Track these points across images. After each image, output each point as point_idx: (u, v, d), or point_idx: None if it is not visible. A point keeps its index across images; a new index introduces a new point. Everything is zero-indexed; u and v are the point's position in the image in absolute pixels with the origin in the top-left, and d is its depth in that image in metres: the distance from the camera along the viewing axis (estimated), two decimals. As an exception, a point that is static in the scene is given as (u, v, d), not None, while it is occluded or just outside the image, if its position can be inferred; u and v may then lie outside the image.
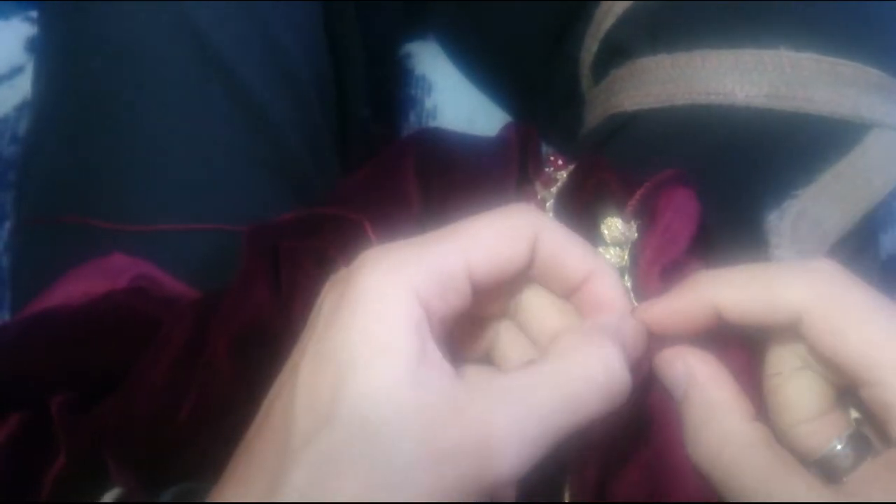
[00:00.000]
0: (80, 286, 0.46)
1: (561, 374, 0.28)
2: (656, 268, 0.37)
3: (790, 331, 0.31)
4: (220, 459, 0.33)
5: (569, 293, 0.32)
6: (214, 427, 0.39)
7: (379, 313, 0.27)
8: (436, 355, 0.28)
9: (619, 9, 0.50)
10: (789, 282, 0.30)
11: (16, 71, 0.75)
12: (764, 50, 0.44)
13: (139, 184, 0.49)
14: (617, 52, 0.50)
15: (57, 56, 0.52)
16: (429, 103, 0.76)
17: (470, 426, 0.26)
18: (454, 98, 0.76)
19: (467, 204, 0.45)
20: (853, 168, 0.43)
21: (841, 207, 0.43)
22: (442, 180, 0.47)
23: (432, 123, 0.75)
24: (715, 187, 0.44)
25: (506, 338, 0.34)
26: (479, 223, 0.30)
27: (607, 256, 0.41)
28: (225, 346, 0.40)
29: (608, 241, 0.41)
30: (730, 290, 0.31)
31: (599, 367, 0.28)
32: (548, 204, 0.49)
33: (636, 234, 0.41)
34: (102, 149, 0.49)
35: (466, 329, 0.33)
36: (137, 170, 0.49)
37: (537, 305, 0.33)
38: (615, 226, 0.41)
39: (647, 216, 0.40)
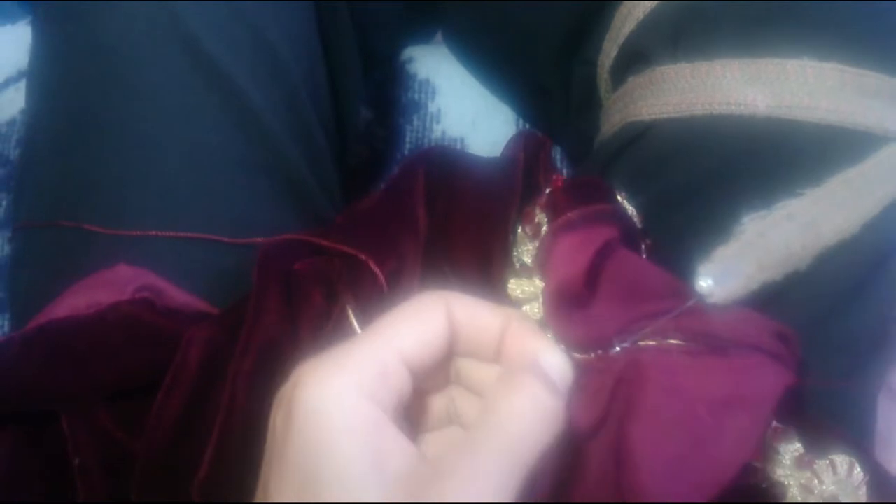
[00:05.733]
0: (85, 298, 0.46)
1: (499, 432, 0.29)
2: (548, 313, 0.39)
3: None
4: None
5: (494, 355, 0.34)
6: (235, 468, 0.40)
7: (329, 423, 0.28)
8: (395, 443, 0.29)
9: (639, 13, 0.49)
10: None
11: (22, 74, 0.74)
12: (787, 59, 0.43)
13: (134, 189, 0.48)
14: (636, 58, 0.49)
15: (50, 61, 0.52)
16: (432, 107, 0.76)
17: None
18: (457, 102, 0.76)
19: (468, 229, 0.46)
20: (863, 177, 0.43)
21: (842, 214, 0.42)
22: (446, 204, 0.47)
23: (436, 127, 0.75)
24: (727, 195, 0.44)
25: (459, 400, 0.36)
26: (398, 315, 0.32)
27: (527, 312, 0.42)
28: (245, 383, 0.41)
29: (516, 301, 0.43)
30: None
31: (528, 409, 0.30)
32: (543, 228, 0.49)
33: (541, 285, 0.42)
34: (96, 154, 0.49)
35: (422, 403, 0.36)
36: (131, 175, 0.48)
37: (471, 367, 0.35)
38: (518, 286, 0.43)
39: (544, 266, 0.41)
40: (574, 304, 0.39)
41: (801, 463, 0.40)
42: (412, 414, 0.34)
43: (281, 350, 0.42)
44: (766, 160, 0.43)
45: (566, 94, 0.59)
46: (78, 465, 0.41)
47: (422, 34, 0.80)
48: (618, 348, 0.38)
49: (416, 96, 0.76)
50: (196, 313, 0.47)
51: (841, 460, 0.40)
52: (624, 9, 0.50)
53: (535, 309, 0.42)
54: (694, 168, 0.45)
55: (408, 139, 0.76)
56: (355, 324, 0.41)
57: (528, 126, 0.74)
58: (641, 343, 0.38)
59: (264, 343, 0.42)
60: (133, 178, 0.48)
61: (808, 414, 0.41)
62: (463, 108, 0.76)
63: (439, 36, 0.83)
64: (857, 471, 0.40)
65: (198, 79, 0.49)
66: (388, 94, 0.76)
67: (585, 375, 0.37)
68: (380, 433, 0.29)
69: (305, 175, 0.54)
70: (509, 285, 0.43)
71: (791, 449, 0.40)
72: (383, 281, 0.43)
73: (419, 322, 0.32)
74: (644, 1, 0.49)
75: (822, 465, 0.40)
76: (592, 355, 0.39)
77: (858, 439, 0.42)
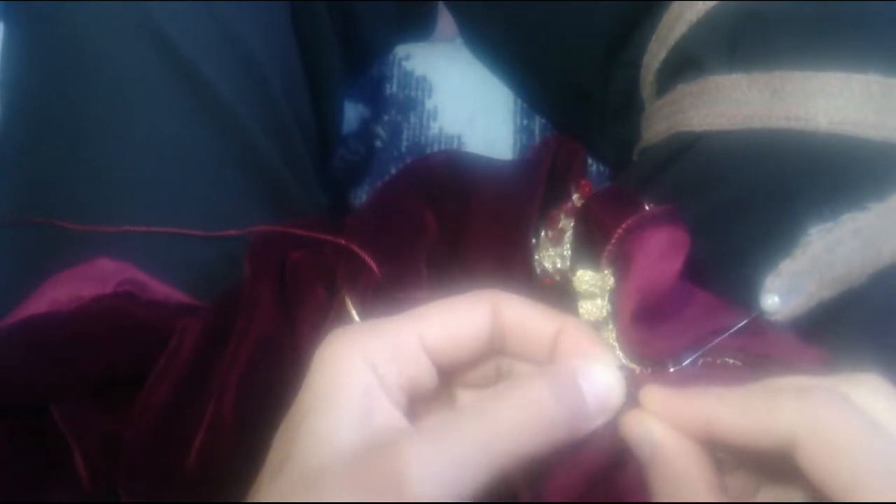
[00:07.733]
0: (66, 291, 0.46)
1: (482, 417, 0.29)
2: (627, 315, 0.38)
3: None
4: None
5: (548, 360, 0.33)
6: (217, 475, 0.40)
7: (331, 377, 0.30)
8: (386, 412, 0.29)
9: (691, 15, 0.47)
10: (785, 410, 0.29)
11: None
12: (853, 74, 0.41)
13: (106, 185, 0.48)
14: (687, 63, 0.47)
15: (20, 60, 0.52)
16: (429, 104, 0.76)
17: (383, 461, 0.27)
18: (454, 99, 0.76)
19: (485, 230, 0.45)
20: None
21: None
22: (457, 207, 0.47)
23: (433, 124, 0.75)
24: (785, 210, 0.43)
25: None
26: (436, 305, 0.32)
27: (582, 311, 0.41)
28: (233, 395, 0.41)
29: (582, 295, 0.41)
30: (726, 414, 0.30)
31: (516, 408, 0.29)
32: (566, 235, 0.48)
33: (611, 283, 0.40)
34: (68, 151, 0.49)
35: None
36: (103, 171, 0.48)
37: (523, 370, 0.34)
38: (584, 278, 0.41)
39: (621, 263, 0.40)
40: (660, 312, 0.37)
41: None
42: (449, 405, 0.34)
43: (277, 345, 0.42)
44: (828, 177, 0.42)
45: (605, 98, 0.57)
46: (79, 455, 0.41)
47: (418, 32, 0.78)
48: (671, 368, 0.36)
49: (413, 94, 0.76)
50: (179, 306, 0.47)
51: None
52: (674, 9, 0.48)
53: (598, 306, 0.41)
54: (750, 182, 0.44)
55: (405, 136, 0.75)
56: (356, 317, 0.40)
57: (525, 123, 0.73)
58: (701, 361, 0.37)
59: (258, 342, 0.42)
60: (105, 175, 0.48)
61: None
62: (460, 106, 0.76)
63: (436, 33, 0.82)
64: None
65: (167, 73, 0.49)
66: (385, 92, 0.75)
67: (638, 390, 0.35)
68: (368, 398, 0.29)
69: (280, 169, 0.54)
70: (576, 276, 0.41)
71: None
72: (377, 272, 0.42)
73: (453, 314, 0.32)
74: (697, 1, 0.47)
75: None
76: (649, 370, 0.38)
77: None
